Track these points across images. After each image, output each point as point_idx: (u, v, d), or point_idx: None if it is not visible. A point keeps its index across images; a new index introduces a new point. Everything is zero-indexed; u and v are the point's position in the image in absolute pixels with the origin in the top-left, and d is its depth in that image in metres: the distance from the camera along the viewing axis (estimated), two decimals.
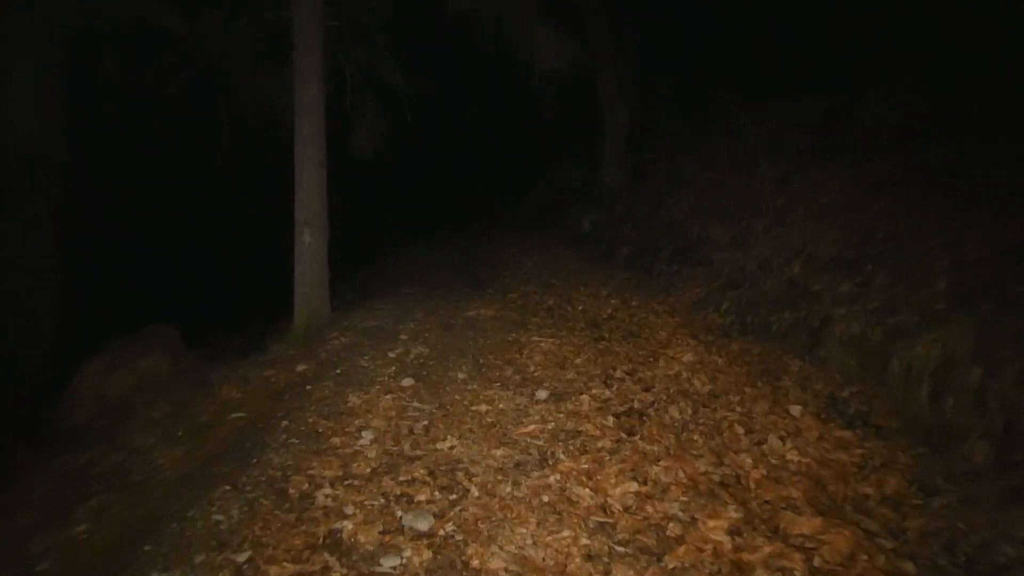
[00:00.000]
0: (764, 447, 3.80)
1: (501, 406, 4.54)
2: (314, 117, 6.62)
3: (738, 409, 4.37)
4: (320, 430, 4.09)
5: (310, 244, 6.60)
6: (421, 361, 5.48)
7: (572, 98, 11.01)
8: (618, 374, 5.21)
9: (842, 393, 4.50)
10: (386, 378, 5.01)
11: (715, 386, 4.78)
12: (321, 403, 4.54)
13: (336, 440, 3.94)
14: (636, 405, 4.53)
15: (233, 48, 7.57)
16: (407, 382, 4.95)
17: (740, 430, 4.06)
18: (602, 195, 10.88)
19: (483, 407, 4.52)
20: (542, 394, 4.77)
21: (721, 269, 7.28)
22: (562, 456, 3.77)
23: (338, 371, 5.16)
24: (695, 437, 3.99)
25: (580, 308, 7.34)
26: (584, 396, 4.69)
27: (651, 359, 5.52)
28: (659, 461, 3.67)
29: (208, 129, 8.43)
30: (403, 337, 6.08)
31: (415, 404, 4.55)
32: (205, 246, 10.57)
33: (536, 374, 5.26)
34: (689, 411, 4.38)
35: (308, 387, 4.88)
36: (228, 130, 8.50)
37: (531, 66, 7.65)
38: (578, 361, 5.58)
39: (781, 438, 3.89)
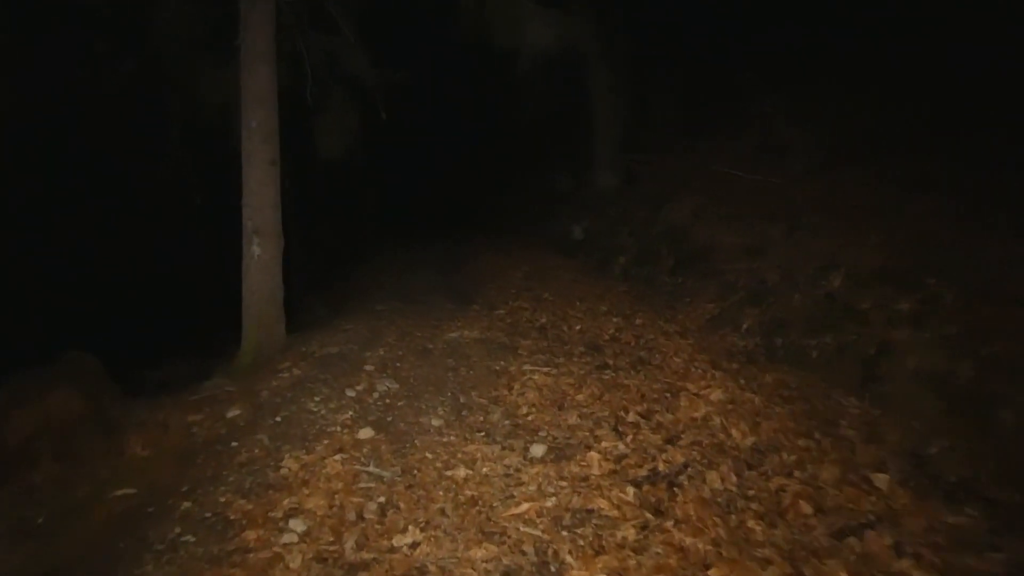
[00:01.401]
0: (853, 543, 2.59)
1: (485, 470, 3.31)
2: (264, 107, 5.36)
3: (797, 474, 3.16)
4: (232, 517, 2.83)
5: (260, 256, 5.33)
6: (387, 402, 4.23)
7: (559, 94, 9.84)
8: (631, 417, 3.99)
9: (929, 449, 3.30)
10: (338, 428, 3.75)
11: (758, 438, 3.56)
12: (244, 469, 3.28)
13: (251, 536, 2.67)
14: (661, 467, 3.30)
15: (175, 33, 6.32)
16: (365, 433, 3.69)
17: (808, 509, 2.85)
18: (594, 199, 9.69)
19: (461, 472, 3.28)
20: (538, 450, 3.54)
21: (735, 281, 6.10)
22: (569, 558, 2.55)
23: (278, 418, 3.88)
24: (750, 522, 2.77)
25: (577, 328, 6.11)
26: (592, 453, 3.47)
27: (669, 395, 4.31)
28: (708, 568, 2.45)
29: (154, 129, 7.16)
30: (368, 368, 4.82)
31: (371, 469, 3.29)
32: (158, 258, 9.21)
33: (530, 418, 4.03)
34: (733, 478, 3.16)
35: (234, 443, 3.61)
36: (177, 129, 7.22)
37: (516, 52, 6.45)
38: (580, 398, 4.36)
39: (872, 525, 2.68)
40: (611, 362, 5.13)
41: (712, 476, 3.14)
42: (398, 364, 4.96)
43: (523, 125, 11.49)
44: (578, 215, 9.93)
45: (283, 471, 3.22)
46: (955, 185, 5.35)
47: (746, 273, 6.05)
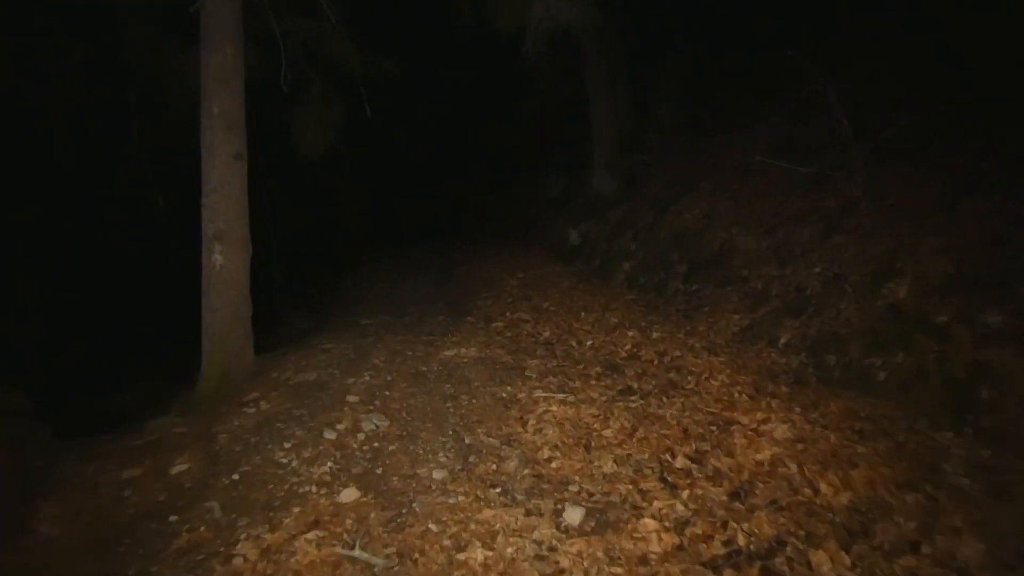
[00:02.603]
0: None
1: (509, 550, 2.39)
2: (228, 91, 4.39)
3: (925, 549, 2.29)
4: None
5: (223, 266, 4.35)
6: (375, 445, 3.28)
7: (555, 91, 8.95)
8: (679, 462, 3.10)
9: None
10: (313, 488, 2.80)
11: (854, 492, 2.68)
12: (183, 561, 2.32)
13: None
14: (742, 540, 2.41)
15: (131, 9, 5.33)
16: (348, 495, 2.75)
17: None
18: (592, 202, 8.83)
19: (478, 554, 2.35)
20: (574, 514, 2.63)
21: (764, 289, 5.26)
22: None
23: (236, 475, 2.92)
24: None
25: (589, 343, 5.22)
26: (646, 520, 2.57)
27: (717, 430, 3.43)
28: None
29: (112, 124, 6.14)
30: (352, 399, 3.86)
31: (357, 553, 2.35)
32: (122, 265, 8.08)
33: (554, 465, 3.12)
34: (844, 557, 2.28)
35: (174, 516, 2.64)
36: (138, 123, 6.19)
37: (516, 37, 5.55)
38: (609, 435, 3.47)
39: None
40: (635, 386, 4.24)
41: (818, 557, 2.26)
42: (387, 393, 4.02)
43: (518, 123, 10.56)
44: (575, 219, 9.04)
45: (236, 561, 2.27)
46: (1013, 184, 4.57)
47: (777, 280, 5.21)
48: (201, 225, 4.41)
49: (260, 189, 8.93)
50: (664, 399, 3.96)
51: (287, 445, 3.18)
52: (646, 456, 3.20)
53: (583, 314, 6.17)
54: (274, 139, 6.34)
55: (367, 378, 4.26)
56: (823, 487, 2.70)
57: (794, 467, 2.91)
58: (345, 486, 2.82)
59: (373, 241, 12.98)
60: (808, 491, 2.72)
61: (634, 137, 8.91)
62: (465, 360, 4.80)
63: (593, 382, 4.34)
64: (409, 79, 6.96)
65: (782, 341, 4.65)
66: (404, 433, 3.45)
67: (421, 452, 3.23)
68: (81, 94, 6.25)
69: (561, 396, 4.05)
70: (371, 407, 3.77)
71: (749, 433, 3.30)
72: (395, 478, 2.93)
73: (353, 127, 6.60)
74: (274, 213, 8.94)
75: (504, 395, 4.09)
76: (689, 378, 4.26)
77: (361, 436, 3.35)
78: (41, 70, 6.10)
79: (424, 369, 4.56)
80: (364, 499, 2.73)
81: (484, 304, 6.95)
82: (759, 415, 3.47)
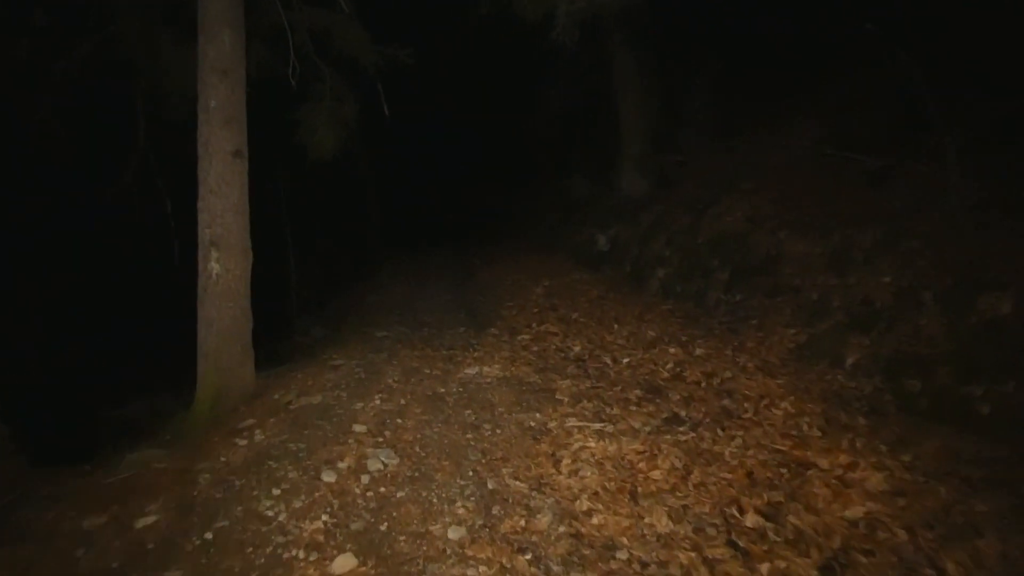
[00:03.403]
0: None
1: None
2: (226, 83, 3.88)
3: None
4: None
5: (219, 276, 3.83)
6: (381, 491, 2.71)
7: (581, 86, 8.31)
8: (749, 520, 2.48)
9: None
10: (299, 554, 2.23)
11: (987, 574, 2.05)
12: None
13: None
14: None
15: (131, 4, 4.87)
16: (342, 565, 2.18)
17: None
18: (621, 205, 8.19)
19: None
20: None
21: (822, 300, 4.58)
22: None
23: (209, 534, 2.36)
24: None
25: (625, 361, 4.59)
26: None
27: (789, 474, 2.79)
28: None
29: (115, 124, 5.71)
30: (359, 428, 3.30)
31: None
32: (132, 271, 7.63)
33: (595, 521, 2.51)
34: None
35: None
36: (142, 123, 5.74)
37: (542, 27, 4.95)
38: (658, 477, 2.86)
39: None
40: (683, 414, 3.62)
41: None
42: (399, 421, 3.45)
43: (540, 121, 9.92)
44: (602, 222, 8.40)
45: None
46: None
47: (837, 290, 4.54)
48: (197, 230, 3.90)
49: (275, 191, 8.54)
50: (719, 431, 3.33)
51: (276, 491, 2.62)
52: (707, 509, 2.58)
53: (616, 326, 5.55)
54: (289, 139, 5.82)
55: (377, 402, 3.70)
56: (949, 567, 2.06)
57: (901, 533, 2.26)
58: (341, 550, 2.25)
59: (391, 245, 12.46)
60: (927, 569, 2.07)
61: (665, 135, 8.25)
62: (488, 380, 4.22)
63: (633, 408, 3.72)
64: (425, 75, 6.42)
65: (849, 361, 3.98)
66: (416, 474, 2.87)
67: (435, 500, 2.65)
68: (84, 92, 5.82)
69: (598, 426, 3.45)
70: (379, 439, 3.20)
71: (832, 481, 2.66)
72: (402, 538, 2.35)
73: (368, 126, 6.10)
74: (289, 216, 8.49)
75: (532, 424, 3.50)
76: (746, 405, 3.61)
77: (365, 478, 2.78)
78: (42, 68, 5.69)
79: (442, 391, 3.99)
80: (362, 569, 2.16)
81: (508, 314, 6.36)
82: (841, 457, 2.82)
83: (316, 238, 11.63)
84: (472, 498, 2.67)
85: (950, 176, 4.01)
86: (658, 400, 3.85)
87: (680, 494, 2.72)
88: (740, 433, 3.27)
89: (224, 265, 3.82)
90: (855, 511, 2.44)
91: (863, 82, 6.05)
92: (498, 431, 3.40)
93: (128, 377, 6.51)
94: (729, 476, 2.82)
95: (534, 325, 5.81)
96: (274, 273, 10.05)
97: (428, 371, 4.42)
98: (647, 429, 3.42)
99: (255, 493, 2.63)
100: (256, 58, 5.25)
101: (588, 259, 8.28)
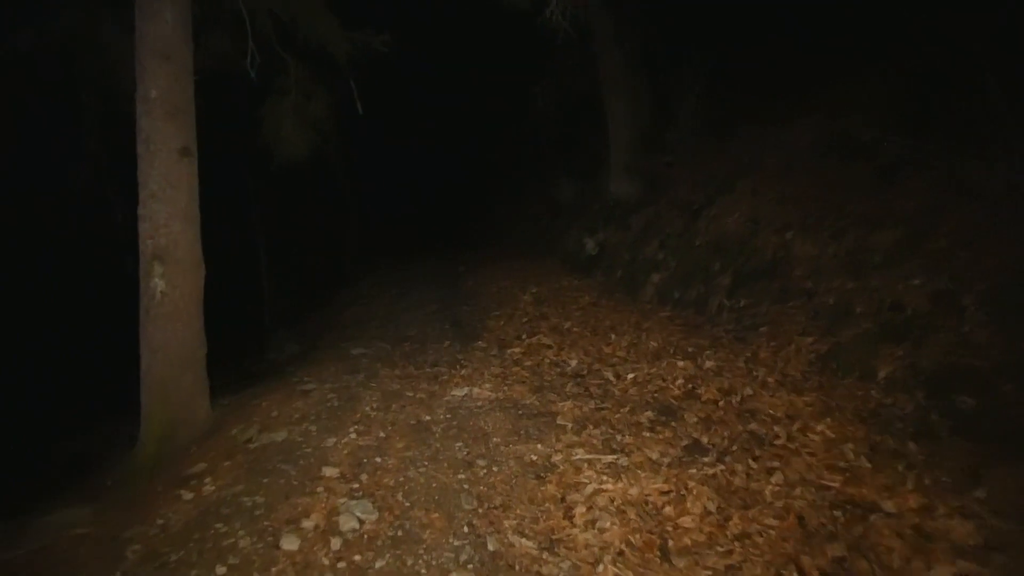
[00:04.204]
0: None
1: None
2: (169, 70, 3.28)
3: None
4: None
5: (166, 294, 3.22)
6: (355, 560, 2.13)
7: (568, 84, 7.80)
8: None
9: None
10: None
11: None
12: None
13: None
14: None
15: None
16: None
17: None
18: (610, 208, 7.70)
19: None
20: None
21: (841, 305, 4.11)
22: None
23: None
24: None
25: (630, 377, 4.07)
26: None
27: (846, 519, 2.28)
28: None
29: (63, 123, 5.05)
30: (330, 472, 2.72)
31: None
32: (86, 282, 6.87)
33: None
34: None
35: None
36: (94, 122, 5.07)
37: (535, 11, 4.44)
38: (689, 526, 2.34)
39: None
40: (705, 440, 3.11)
41: None
42: (378, 460, 2.87)
43: (526, 123, 9.36)
44: (591, 226, 7.91)
45: None
46: None
47: (856, 295, 4.07)
48: (139, 241, 3.28)
49: (245, 196, 7.91)
50: (751, 462, 2.81)
51: (222, 569, 2.03)
52: (758, 571, 2.06)
53: (613, 336, 5.04)
54: (257, 137, 5.21)
55: (352, 436, 3.12)
56: None
57: None
58: None
59: (372, 253, 11.79)
60: None
61: (654, 136, 7.79)
62: (479, 404, 3.66)
63: (647, 434, 3.20)
64: (405, 71, 5.86)
65: (882, 375, 3.50)
66: (399, 532, 2.30)
67: (424, 571, 2.08)
68: (27, 86, 5.15)
69: (610, 458, 2.92)
70: (354, 485, 2.63)
71: (907, 531, 2.15)
72: None
73: (346, 127, 5.50)
74: (262, 223, 7.84)
75: (534, 457, 2.95)
76: (776, 429, 3.11)
77: (336, 543, 2.21)
78: None
79: (427, 419, 3.42)
80: None
81: (496, 325, 5.82)
82: (910, 499, 2.32)
83: (293, 246, 10.94)
84: (470, 565, 2.11)
85: (997, 168, 3.56)
86: (673, 423, 3.33)
87: (721, 548, 2.20)
88: (777, 465, 2.76)
89: (170, 281, 3.21)
90: (943, 572, 1.94)
91: (867, 74, 5.63)
92: (495, 469, 2.84)
93: (89, 397, 5.81)
94: (776, 523, 2.31)
95: (525, 336, 5.27)
96: (247, 285, 9.39)
97: (411, 394, 3.85)
98: (666, 461, 2.89)
99: (195, 567, 2.04)
100: (215, 49, 4.65)
101: (577, 264, 7.77)
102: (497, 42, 6.52)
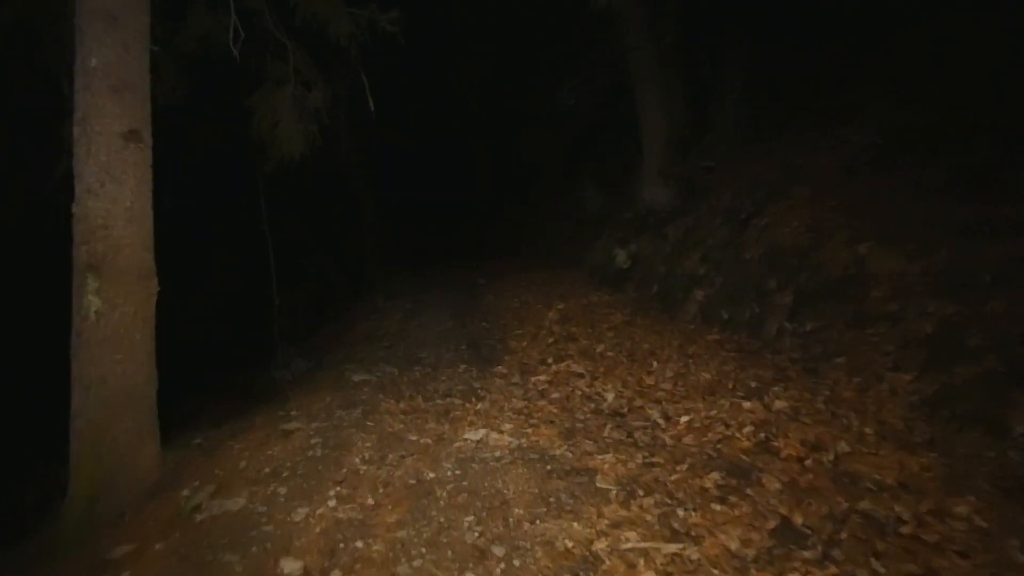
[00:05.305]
0: None
1: None
2: (115, 35, 2.55)
3: None
4: None
5: (103, 315, 2.46)
6: None
7: (596, 85, 6.99)
8: None
9: None
10: None
11: None
12: None
13: None
14: None
15: None
16: None
17: None
18: (642, 217, 6.86)
19: None
20: None
21: (941, 335, 3.21)
22: None
23: None
24: None
25: (683, 420, 3.21)
26: None
27: None
28: None
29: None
30: (289, 568, 1.92)
31: None
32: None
33: None
34: None
35: None
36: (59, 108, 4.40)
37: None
38: None
39: None
40: (799, 521, 2.24)
41: None
42: (359, 546, 2.06)
43: (549, 126, 8.50)
44: (621, 237, 7.05)
45: None
46: None
47: (966, 323, 3.17)
48: (73, 247, 2.55)
49: (257, 199, 7.26)
50: (872, 559, 1.95)
51: None
52: None
53: (655, 363, 4.18)
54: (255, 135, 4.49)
55: (331, 504, 2.32)
56: None
57: None
58: None
59: (389, 261, 11.02)
60: None
61: (690, 139, 6.94)
62: (496, 453, 2.84)
63: (717, 507, 2.35)
64: (423, 70, 5.11)
65: (1020, 431, 2.60)
66: None
67: None
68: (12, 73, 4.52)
69: (673, 548, 2.07)
70: None
71: None
72: None
73: (360, 129, 4.78)
74: (271, 230, 7.15)
75: (569, 544, 2.12)
76: (896, 509, 2.23)
77: None
78: None
79: (431, 476, 2.61)
80: None
81: (518, 346, 5.00)
82: None
83: (307, 255, 10.25)
84: None
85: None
86: (749, 491, 2.46)
87: None
88: (914, 570, 1.89)
89: (108, 300, 2.46)
90: None
91: (937, 68, 4.75)
92: (516, 563, 2.01)
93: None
94: None
95: (551, 361, 4.44)
96: (257, 294, 8.72)
97: (414, 438, 3.04)
98: (751, 554, 2.04)
99: None
100: (201, 29, 3.94)
101: (606, 278, 6.91)
102: (520, 39, 5.75)
